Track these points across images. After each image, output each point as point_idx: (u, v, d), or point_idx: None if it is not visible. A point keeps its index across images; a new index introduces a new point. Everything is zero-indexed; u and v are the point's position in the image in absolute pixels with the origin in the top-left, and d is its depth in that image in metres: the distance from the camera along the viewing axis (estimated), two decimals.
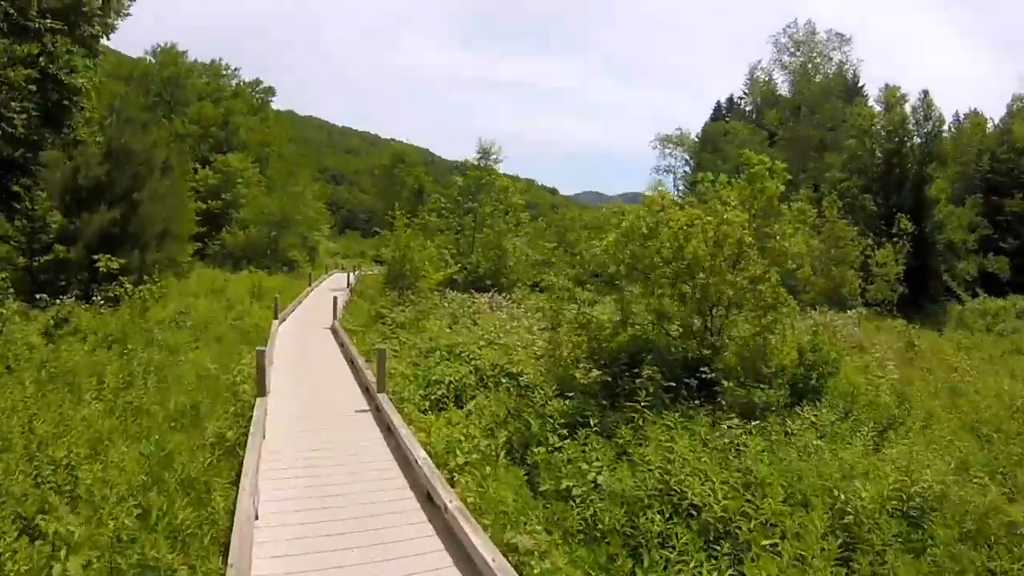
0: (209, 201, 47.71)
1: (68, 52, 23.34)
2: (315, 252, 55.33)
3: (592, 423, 11.13)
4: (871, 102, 54.68)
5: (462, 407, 12.99)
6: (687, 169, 74.82)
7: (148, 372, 13.41)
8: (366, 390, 13.03)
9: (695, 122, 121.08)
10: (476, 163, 31.32)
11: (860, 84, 64.18)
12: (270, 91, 74.06)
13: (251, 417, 10.26)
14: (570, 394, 12.68)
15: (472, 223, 30.94)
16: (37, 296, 18.38)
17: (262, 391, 11.19)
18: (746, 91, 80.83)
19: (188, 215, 35.55)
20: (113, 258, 20.27)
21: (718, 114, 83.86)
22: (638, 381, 12.28)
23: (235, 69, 70.50)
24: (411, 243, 25.31)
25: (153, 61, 61.47)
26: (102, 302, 18.70)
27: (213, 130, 59.10)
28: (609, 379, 13.31)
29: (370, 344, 18.42)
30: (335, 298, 23.65)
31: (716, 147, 70.42)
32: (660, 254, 14.21)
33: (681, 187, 71.71)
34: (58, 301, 17.49)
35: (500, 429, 11.73)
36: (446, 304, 23.11)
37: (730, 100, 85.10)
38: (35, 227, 22.69)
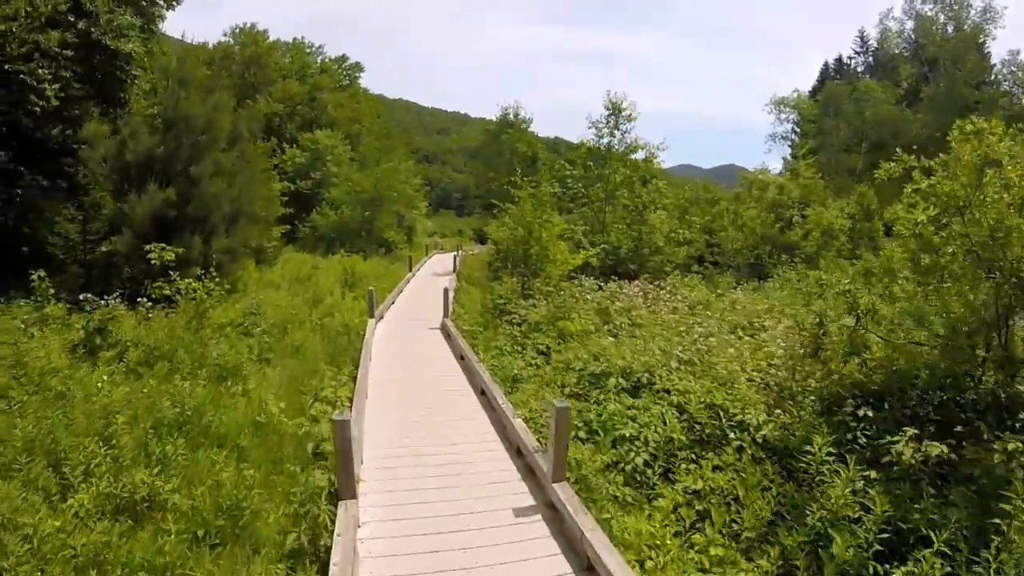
0: (298, 181, 44.11)
1: (110, 11, 19.19)
2: (413, 232, 51.03)
3: (927, 531, 5.75)
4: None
5: (672, 481, 7.67)
6: (795, 137, 68.08)
7: (180, 421, 8.77)
8: (517, 454, 7.88)
9: (790, 88, 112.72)
10: (605, 121, 25.29)
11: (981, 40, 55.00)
12: (357, 67, 70.34)
13: (328, 547, 5.32)
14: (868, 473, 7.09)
15: (602, 194, 25.06)
16: (81, 297, 14.38)
17: (347, 490, 6.13)
18: (857, 50, 73.76)
19: (270, 195, 31.65)
20: (168, 247, 15.98)
21: (825, 76, 76.25)
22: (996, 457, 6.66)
23: (319, 46, 67.11)
24: (539, 217, 19.84)
25: (232, 43, 58.47)
26: (150, 304, 14.48)
27: (300, 109, 55.73)
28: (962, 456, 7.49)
29: (496, 352, 13.34)
30: (445, 289, 18.70)
31: (838, 110, 63.36)
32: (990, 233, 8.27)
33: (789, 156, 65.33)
34: (103, 302, 13.47)
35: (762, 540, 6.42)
36: (588, 296, 17.66)
37: (839, 61, 77.45)
38: (86, 215, 18.95)
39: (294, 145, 47.46)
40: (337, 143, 47.15)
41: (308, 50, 65.79)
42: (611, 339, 12.55)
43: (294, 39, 66.55)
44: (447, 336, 15.56)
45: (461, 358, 12.85)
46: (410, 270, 29.31)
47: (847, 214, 34.72)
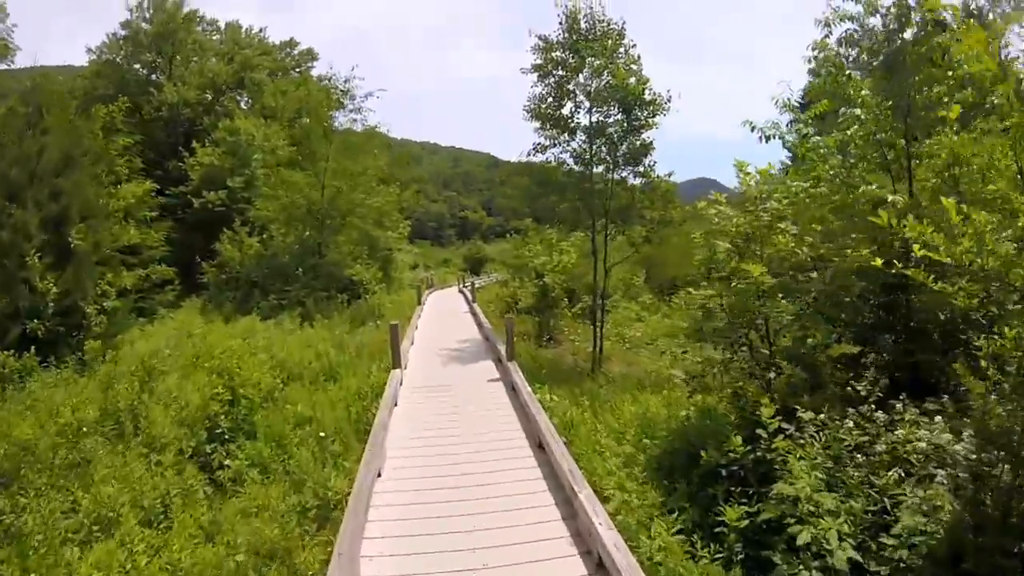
0: (207, 192, 27.86)
1: None
2: (390, 265, 34.35)
3: None
4: None
5: None
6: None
7: None
8: None
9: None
10: None
11: None
12: (310, 54, 54.17)
13: None
14: None
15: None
16: None
17: None
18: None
19: (96, 208, 15.76)
20: None
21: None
22: None
23: (260, 29, 50.94)
24: None
25: (137, 18, 41.94)
26: None
27: (226, 99, 39.66)
28: None
29: None
30: None
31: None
32: None
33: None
34: None
35: None
36: None
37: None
38: None
39: (206, 143, 31.36)
40: (271, 135, 30.82)
41: (245, 35, 49.79)
42: None
43: (227, 23, 50.52)
44: None
45: None
46: (397, 363, 12.02)
47: None
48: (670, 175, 15.50)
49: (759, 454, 6.46)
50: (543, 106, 15.78)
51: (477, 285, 36.57)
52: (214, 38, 48.30)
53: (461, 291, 33.09)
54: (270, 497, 7.44)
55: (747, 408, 7.75)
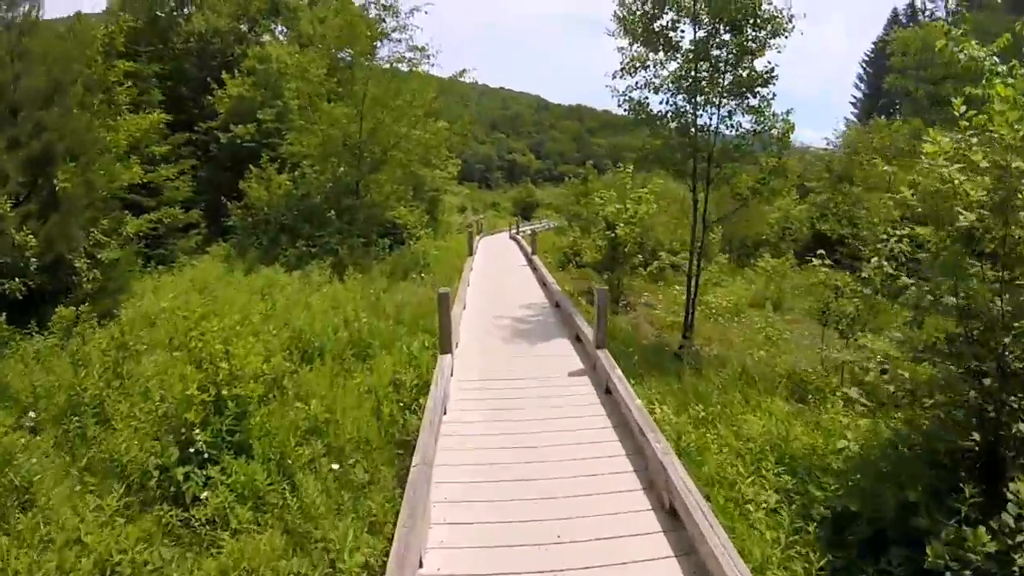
0: (235, 126, 25.28)
1: None
2: (437, 207, 31.44)
3: None
4: None
5: None
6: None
7: None
8: None
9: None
10: None
11: None
12: None
13: None
14: None
15: None
16: None
17: None
18: None
19: (92, 140, 13.32)
20: None
21: (895, 23, 65.54)
22: None
23: None
24: None
25: None
26: None
27: (260, 31, 36.83)
28: None
29: None
30: None
31: None
32: None
33: None
34: None
35: None
36: None
37: (911, 5, 67.27)
38: None
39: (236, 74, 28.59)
40: (306, 62, 27.77)
41: None
42: None
43: None
44: None
45: None
46: (447, 347, 8.57)
47: None
48: (788, 113, 12.07)
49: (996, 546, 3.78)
50: (635, 16, 12.42)
51: (535, 230, 33.40)
52: None
53: (513, 238, 30.31)
54: (260, 555, 5.03)
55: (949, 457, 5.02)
